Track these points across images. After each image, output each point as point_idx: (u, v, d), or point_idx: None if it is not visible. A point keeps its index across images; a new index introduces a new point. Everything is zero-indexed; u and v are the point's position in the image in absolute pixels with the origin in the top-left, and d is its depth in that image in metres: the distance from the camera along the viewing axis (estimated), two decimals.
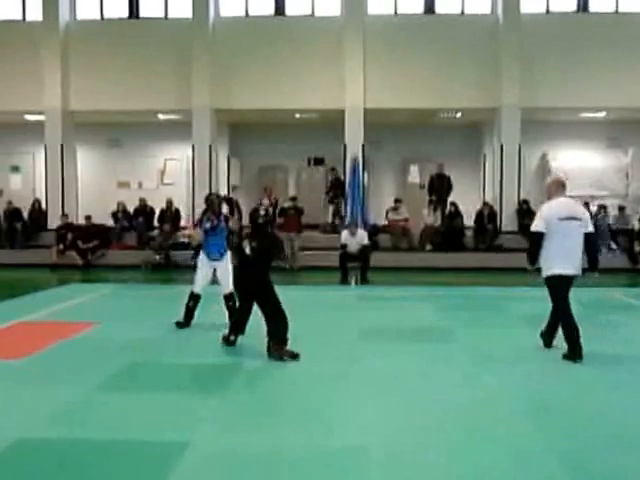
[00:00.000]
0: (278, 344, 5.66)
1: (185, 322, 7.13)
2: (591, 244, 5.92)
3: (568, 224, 5.75)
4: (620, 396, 4.75)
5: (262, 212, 6.32)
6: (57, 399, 4.60)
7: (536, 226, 5.88)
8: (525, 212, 14.59)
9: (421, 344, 6.44)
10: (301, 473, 3.43)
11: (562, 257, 5.73)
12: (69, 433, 3.97)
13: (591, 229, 5.90)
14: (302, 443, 3.80)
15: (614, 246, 14.31)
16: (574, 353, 5.67)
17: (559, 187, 6.05)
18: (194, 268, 7.36)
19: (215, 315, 7.30)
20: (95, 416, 4.29)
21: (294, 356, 5.65)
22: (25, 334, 6.96)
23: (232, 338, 6.20)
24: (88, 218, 14.76)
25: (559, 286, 5.82)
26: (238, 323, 6.20)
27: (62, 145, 15.43)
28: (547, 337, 6.19)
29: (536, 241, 5.86)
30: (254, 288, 5.88)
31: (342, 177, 15.38)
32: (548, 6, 15.12)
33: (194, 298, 7.10)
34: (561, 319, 5.91)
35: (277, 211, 14.46)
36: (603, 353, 6.10)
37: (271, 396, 4.73)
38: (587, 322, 7.72)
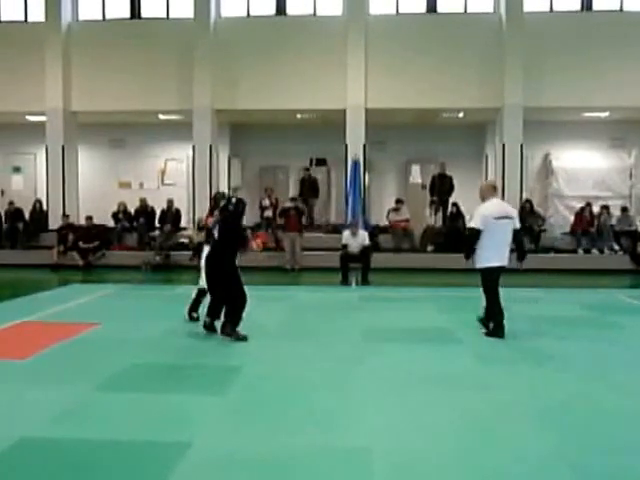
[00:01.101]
0: (232, 325, 6.37)
1: (197, 315, 7.41)
2: (518, 238, 6.92)
3: (501, 222, 6.64)
4: (628, 398, 4.69)
5: (233, 201, 6.65)
6: (58, 399, 4.57)
7: (475, 224, 6.70)
8: (528, 212, 14.54)
9: (424, 345, 6.40)
10: (304, 474, 3.39)
11: (496, 251, 6.63)
12: (71, 433, 3.95)
13: (518, 226, 6.83)
14: (305, 444, 3.77)
15: (617, 247, 14.25)
16: (501, 332, 6.64)
17: (492, 190, 6.95)
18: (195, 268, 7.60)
19: None
20: (96, 416, 4.26)
21: (243, 338, 6.34)
22: (26, 334, 6.94)
23: (207, 320, 6.78)
24: (89, 219, 14.76)
25: (493, 275, 6.74)
26: (214, 309, 6.78)
27: (63, 146, 15.43)
28: (485, 326, 6.88)
29: (475, 237, 6.67)
30: (222, 273, 6.47)
31: (316, 177, 15.46)
32: (552, 5, 15.06)
33: (204, 294, 7.31)
34: (492, 303, 6.76)
35: (278, 211, 14.49)
36: (607, 355, 6.07)
37: (273, 397, 4.69)
38: (590, 324, 7.70)
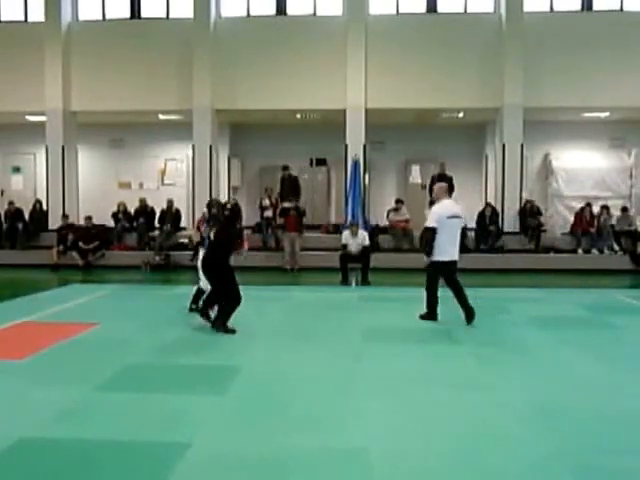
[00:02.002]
0: (223, 320, 6.77)
1: (196, 306, 7.77)
2: (463, 236, 7.89)
3: (453, 221, 7.37)
4: (628, 398, 4.69)
5: (228, 206, 7.14)
6: (58, 399, 4.57)
7: (431, 223, 7.37)
8: (530, 212, 14.53)
9: (424, 345, 6.39)
10: (303, 474, 3.39)
11: (448, 247, 7.31)
12: (70, 433, 3.94)
13: (463, 225, 7.74)
14: (304, 444, 3.76)
15: (617, 247, 14.24)
16: (434, 316, 7.46)
17: (444, 192, 7.69)
18: (195, 269, 7.87)
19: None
20: (96, 416, 4.26)
21: (232, 331, 6.73)
22: (26, 334, 6.93)
23: (210, 312, 7.13)
24: (89, 219, 14.74)
25: (443, 269, 7.35)
26: (212, 301, 7.16)
27: (63, 146, 15.43)
28: (469, 316, 7.28)
29: (432, 235, 7.30)
30: (215, 271, 6.87)
31: (297, 176, 15.28)
32: (552, 5, 15.06)
33: (202, 293, 7.72)
34: (430, 292, 7.48)
35: (277, 211, 14.48)
36: (607, 355, 6.06)
37: (272, 397, 4.69)
38: (590, 324, 7.69)
